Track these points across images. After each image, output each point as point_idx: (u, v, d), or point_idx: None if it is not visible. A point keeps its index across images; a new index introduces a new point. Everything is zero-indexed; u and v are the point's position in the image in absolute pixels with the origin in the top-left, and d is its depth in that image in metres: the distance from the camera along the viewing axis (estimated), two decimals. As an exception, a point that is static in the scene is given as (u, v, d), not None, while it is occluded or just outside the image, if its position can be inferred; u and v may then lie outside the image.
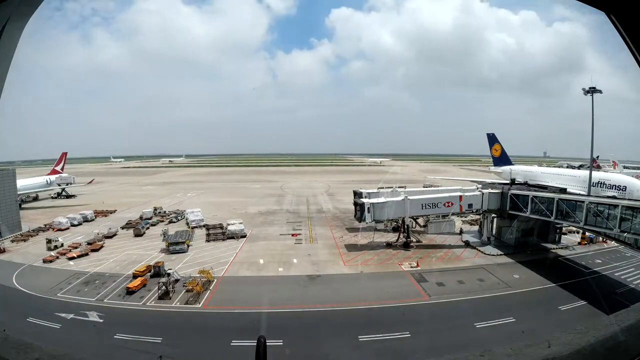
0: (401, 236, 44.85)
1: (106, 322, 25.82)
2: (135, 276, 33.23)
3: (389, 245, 44.05)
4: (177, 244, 42.36)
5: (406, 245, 43.37)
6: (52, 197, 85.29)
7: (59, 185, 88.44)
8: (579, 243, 44.59)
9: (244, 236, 48.26)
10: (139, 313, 27.50)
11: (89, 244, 44.72)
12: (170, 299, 29.44)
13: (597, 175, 59.97)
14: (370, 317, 26.28)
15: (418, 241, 45.07)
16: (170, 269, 34.01)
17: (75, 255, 40.32)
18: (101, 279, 33.93)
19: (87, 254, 41.26)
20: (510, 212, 43.42)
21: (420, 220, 48.72)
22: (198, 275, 32.47)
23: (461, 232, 49.02)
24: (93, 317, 26.35)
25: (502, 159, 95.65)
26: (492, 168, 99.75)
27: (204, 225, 53.73)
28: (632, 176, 65.95)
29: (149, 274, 34.21)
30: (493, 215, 45.98)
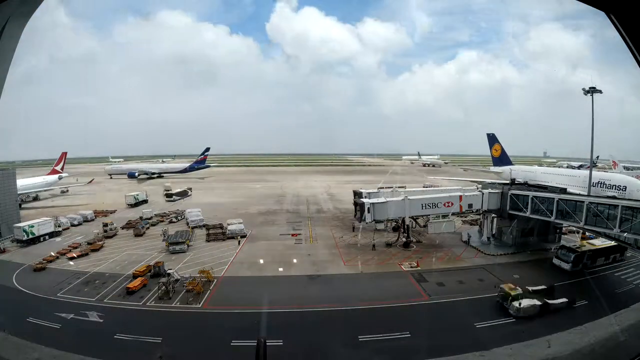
0: (401, 236, 44.86)
1: (106, 322, 25.84)
2: (135, 276, 33.26)
3: (389, 245, 44.03)
4: (177, 243, 42.35)
5: (406, 245, 43.38)
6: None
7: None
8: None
9: (244, 236, 48.24)
10: (139, 313, 27.51)
11: (89, 244, 44.77)
12: (170, 299, 29.45)
13: (597, 175, 59.99)
14: (370, 317, 26.28)
15: (418, 241, 45.07)
16: (171, 269, 33.99)
17: (75, 255, 40.35)
18: (101, 279, 33.94)
19: (87, 254, 41.28)
20: (510, 212, 43.40)
21: (420, 220, 48.70)
22: (198, 275, 32.50)
23: (462, 232, 48.99)
24: (93, 317, 26.35)
25: (502, 159, 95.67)
26: (492, 168, 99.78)
27: (204, 225, 53.70)
28: (632, 176, 65.98)
29: (149, 274, 34.24)
30: (493, 215, 45.97)
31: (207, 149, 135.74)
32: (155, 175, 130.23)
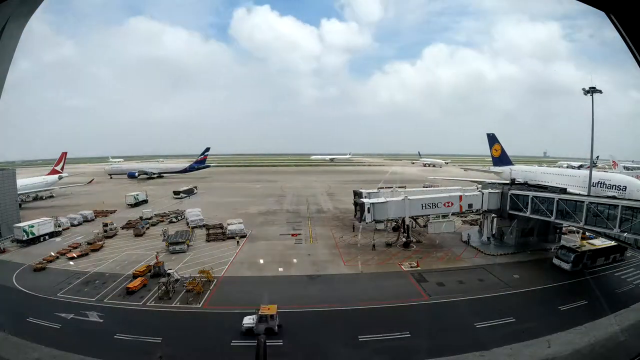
0: (401, 236, 44.86)
1: (106, 322, 25.84)
2: (135, 276, 33.26)
3: (389, 245, 44.03)
4: (177, 243, 42.35)
5: (406, 245, 43.38)
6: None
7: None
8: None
9: (244, 236, 48.24)
10: (139, 313, 27.51)
11: (89, 243, 44.77)
12: (170, 299, 29.45)
13: (597, 175, 60.00)
14: (370, 317, 26.29)
15: (418, 241, 45.07)
16: (171, 269, 33.99)
17: (75, 255, 40.34)
18: (101, 279, 33.94)
19: (87, 254, 41.28)
20: (510, 212, 43.40)
21: (420, 220, 48.70)
22: (198, 275, 32.49)
23: (462, 232, 48.97)
24: (93, 317, 26.35)
25: (502, 159, 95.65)
26: (492, 168, 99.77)
27: (204, 225, 53.70)
28: (632, 176, 65.98)
29: (149, 274, 34.24)
30: (493, 215, 45.97)
31: (207, 149, 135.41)
32: (155, 176, 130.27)
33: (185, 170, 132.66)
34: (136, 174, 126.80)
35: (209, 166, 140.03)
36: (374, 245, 43.11)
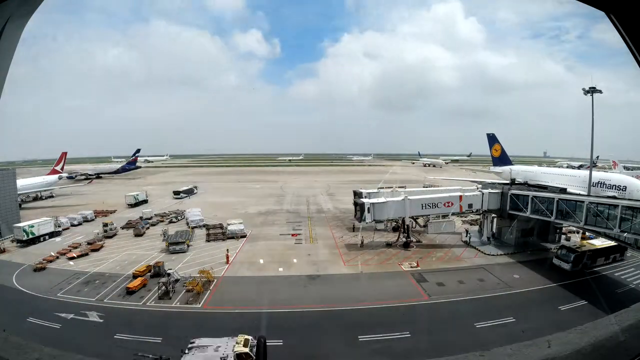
0: (401, 236, 44.85)
1: (106, 322, 25.84)
2: (135, 276, 33.26)
3: (389, 245, 44.04)
4: (177, 243, 42.34)
5: (406, 245, 43.37)
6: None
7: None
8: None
9: (244, 236, 48.24)
10: (139, 313, 27.51)
11: (89, 243, 44.77)
12: (170, 299, 29.45)
13: (597, 175, 59.97)
14: (370, 317, 26.28)
15: (418, 241, 45.07)
16: (171, 269, 34.00)
17: (75, 255, 40.34)
18: (101, 279, 33.93)
19: (87, 254, 41.28)
20: (510, 212, 43.40)
21: (420, 220, 48.70)
22: (198, 275, 32.50)
23: (462, 232, 48.97)
24: (93, 317, 26.35)
25: (502, 159, 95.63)
26: (492, 168, 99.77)
27: (204, 225, 53.71)
28: (632, 176, 65.97)
29: (149, 274, 34.24)
30: (493, 215, 45.97)
31: (138, 150, 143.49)
32: (94, 176, 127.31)
33: (117, 172, 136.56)
34: (74, 176, 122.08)
35: (139, 167, 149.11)
36: (362, 243, 43.61)
